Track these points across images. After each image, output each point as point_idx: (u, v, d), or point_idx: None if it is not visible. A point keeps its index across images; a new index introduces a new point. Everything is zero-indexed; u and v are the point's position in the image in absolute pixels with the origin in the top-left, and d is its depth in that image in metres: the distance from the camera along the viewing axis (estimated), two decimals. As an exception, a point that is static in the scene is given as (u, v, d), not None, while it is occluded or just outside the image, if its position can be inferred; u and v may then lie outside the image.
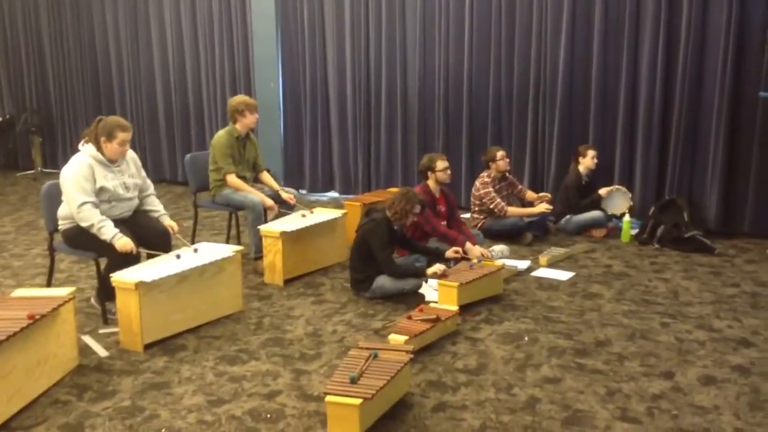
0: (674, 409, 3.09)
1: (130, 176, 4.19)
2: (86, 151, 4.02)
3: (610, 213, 6.01)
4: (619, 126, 6.16)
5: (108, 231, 3.89)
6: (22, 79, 9.58)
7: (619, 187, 6.05)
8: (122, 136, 4.01)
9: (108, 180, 4.03)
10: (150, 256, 4.09)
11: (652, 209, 5.83)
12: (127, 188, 4.14)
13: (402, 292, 4.44)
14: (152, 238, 4.16)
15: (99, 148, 4.01)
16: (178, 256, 4.05)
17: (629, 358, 3.59)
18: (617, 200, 6.03)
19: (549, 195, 6.02)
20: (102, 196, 4.00)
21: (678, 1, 5.77)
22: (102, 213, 3.94)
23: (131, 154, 4.23)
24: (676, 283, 4.74)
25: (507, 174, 5.97)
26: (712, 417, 3.02)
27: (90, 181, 3.94)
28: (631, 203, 5.98)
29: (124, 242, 3.89)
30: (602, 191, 6.00)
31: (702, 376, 3.39)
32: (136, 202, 4.25)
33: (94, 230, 3.89)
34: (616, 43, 6.09)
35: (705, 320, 4.09)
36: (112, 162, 4.07)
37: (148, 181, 4.39)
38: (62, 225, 4.11)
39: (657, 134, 6.01)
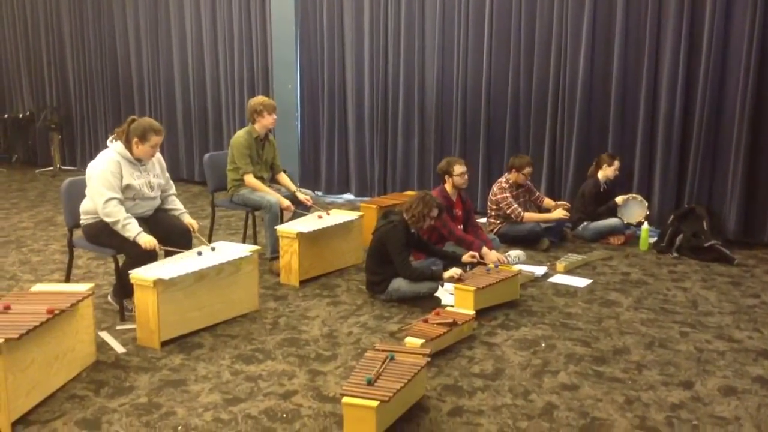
0: (694, 419, 3.05)
1: (155, 176, 4.22)
2: (115, 148, 4.05)
3: (625, 222, 5.95)
4: (639, 133, 6.11)
5: (133, 228, 3.93)
6: (43, 77, 9.67)
7: (636, 195, 6.00)
8: (155, 139, 4.05)
9: (134, 178, 4.06)
10: (168, 254, 4.11)
11: (671, 218, 5.77)
12: (151, 187, 4.18)
13: (418, 295, 4.42)
14: (173, 236, 4.19)
15: (129, 148, 4.05)
16: (199, 253, 4.08)
17: (648, 367, 3.56)
18: (633, 209, 5.98)
19: (567, 204, 5.98)
20: (127, 194, 4.04)
21: (700, 9, 5.72)
22: (126, 210, 3.97)
23: (157, 155, 4.26)
24: (695, 293, 4.69)
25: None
26: (733, 428, 2.98)
27: (117, 178, 3.98)
28: (647, 212, 5.93)
29: (148, 239, 3.92)
30: (618, 199, 5.95)
31: (722, 386, 3.35)
32: (158, 201, 4.29)
33: (118, 227, 3.92)
34: (636, 50, 6.04)
35: (725, 330, 4.05)
36: (139, 161, 4.10)
37: (171, 182, 4.43)
38: (84, 220, 4.14)
39: (677, 142, 5.95)
